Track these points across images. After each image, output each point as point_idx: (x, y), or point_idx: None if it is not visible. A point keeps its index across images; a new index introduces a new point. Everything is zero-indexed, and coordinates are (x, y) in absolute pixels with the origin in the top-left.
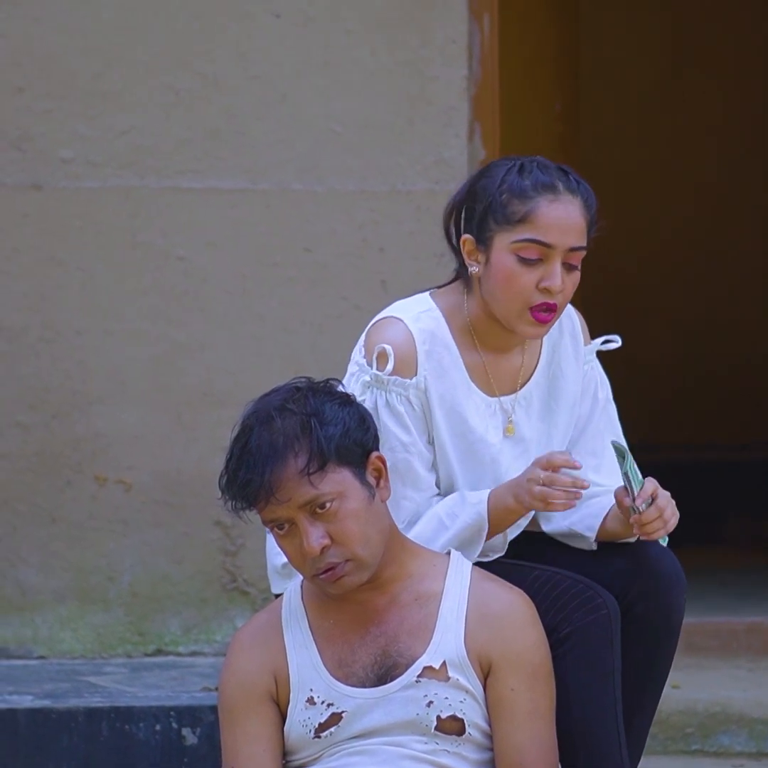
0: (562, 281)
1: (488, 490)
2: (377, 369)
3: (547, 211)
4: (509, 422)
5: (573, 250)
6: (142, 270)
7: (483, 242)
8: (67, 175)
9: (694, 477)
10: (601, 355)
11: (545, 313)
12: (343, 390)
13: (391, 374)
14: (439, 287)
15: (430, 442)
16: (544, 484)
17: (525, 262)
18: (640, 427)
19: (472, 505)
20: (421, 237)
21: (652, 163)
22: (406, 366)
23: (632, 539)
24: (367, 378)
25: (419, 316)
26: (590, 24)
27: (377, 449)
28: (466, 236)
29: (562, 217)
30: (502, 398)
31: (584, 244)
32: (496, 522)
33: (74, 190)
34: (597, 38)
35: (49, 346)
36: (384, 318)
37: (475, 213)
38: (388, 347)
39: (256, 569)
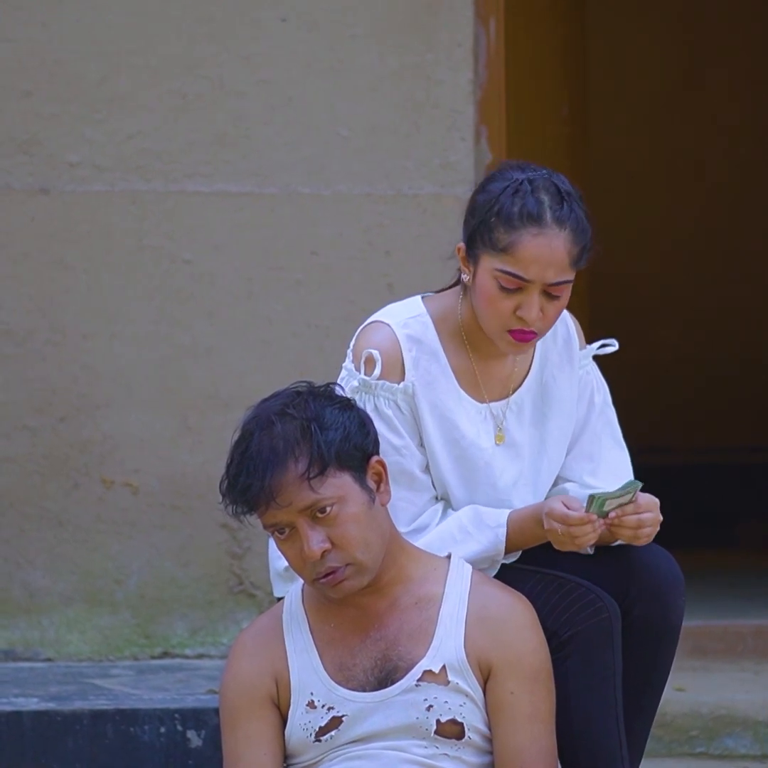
0: (538, 312)
1: (506, 514)
2: (365, 374)
3: (529, 245)
4: (499, 430)
5: (554, 283)
6: (149, 273)
7: (472, 257)
8: (75, 179)
9: (706, 479)
10: (610, 357)
11: (524, 335)
12: (344, 394)
13: (378, 379)
14: (439, 291)
15: (421, 445)
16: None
17: (504, 289)
18: (652, 429)
19: (489, 528)
20: (426, 240)
21: (663, 164)
22: (394, 371)
23: (623, 541)
24: (356, 383)
25: (407, 322)
26: (599, 26)
27: (377, 453)
28: (460, 244)
29: (544, 254)
30: (492, 404)
31: (567, 278)
32: (513, 548)
33: (81, 194)
34: (606, 40)
35: (55, 349)
36: (371, 322)
37: (469, 226)
38: (374, 352)
39: (263, 572)
